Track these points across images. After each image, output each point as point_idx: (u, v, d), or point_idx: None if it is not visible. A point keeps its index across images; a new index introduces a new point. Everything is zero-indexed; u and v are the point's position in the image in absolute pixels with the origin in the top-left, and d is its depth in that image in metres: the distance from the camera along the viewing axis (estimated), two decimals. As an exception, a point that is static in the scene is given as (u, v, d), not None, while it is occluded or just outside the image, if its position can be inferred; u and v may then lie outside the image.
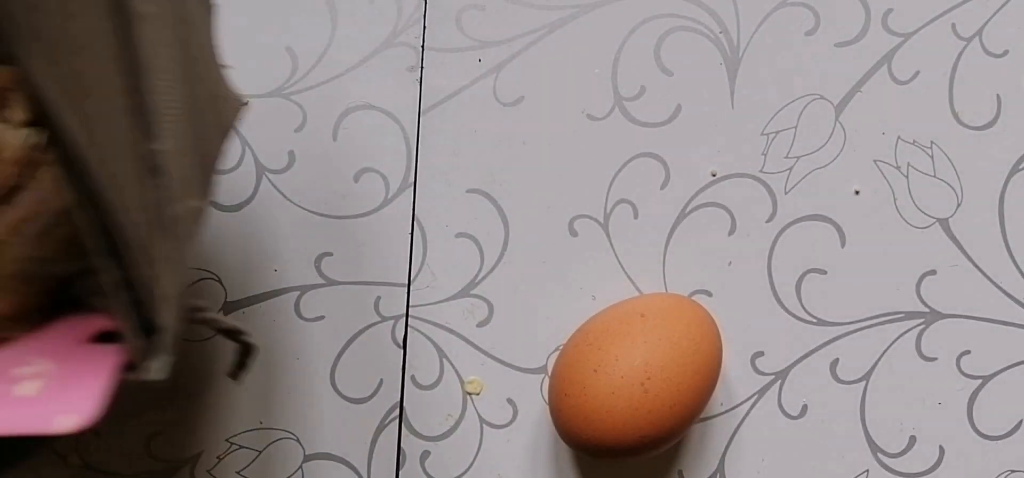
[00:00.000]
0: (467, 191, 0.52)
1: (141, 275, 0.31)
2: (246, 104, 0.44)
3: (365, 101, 0.52)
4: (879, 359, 0.52)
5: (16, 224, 0.35)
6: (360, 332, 0.52)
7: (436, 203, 0.52)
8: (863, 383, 0.52)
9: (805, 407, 0.52)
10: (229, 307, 0.52)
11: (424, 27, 0.52)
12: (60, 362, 0.34)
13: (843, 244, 0.51)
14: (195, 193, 0.35)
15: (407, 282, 0.52)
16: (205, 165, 0.36)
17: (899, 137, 0.51)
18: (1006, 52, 0.50)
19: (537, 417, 0.53)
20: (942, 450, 0.52)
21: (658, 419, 0.47)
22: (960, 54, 0.50)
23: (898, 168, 0.51)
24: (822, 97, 0.51)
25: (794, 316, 0.52)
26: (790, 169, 0.51)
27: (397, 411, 0.53)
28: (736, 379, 0.52)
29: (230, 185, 0.52)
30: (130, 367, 0.33)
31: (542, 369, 0.53)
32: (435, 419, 0.53)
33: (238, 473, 0.52)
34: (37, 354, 0.34)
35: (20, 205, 0.35)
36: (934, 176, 0.51)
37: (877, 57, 0.51)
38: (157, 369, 0.33)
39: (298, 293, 0.52)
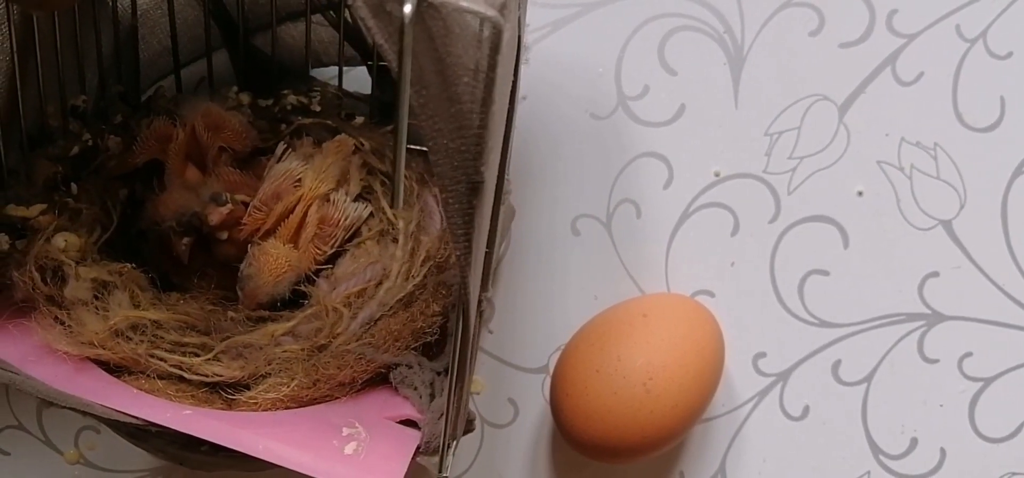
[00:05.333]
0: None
1: (463, 379, 0.38)
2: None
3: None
4: (881, 361, 0.52)
5: (347, 297, 0.42)
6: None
7: (438, 201, 0.52)
8: (865, 385, 0.52)
9: (807, 408, 0.52)
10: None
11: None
12: (370, 431, 0.40)
13: (846, 245, 0.51)
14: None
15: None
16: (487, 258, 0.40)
17: (903, 138, 0.51)
18: (1010, 54, 0.50)
19: (538, 417, 0.53)
20: (943, 452, 0.52)
21: (660, 419, 0.47)
22: (964, 55, 0.50)
23: (901, 169, 0.51)
24: (826, 98, 0.51)
25: (796, 317, 0.52)
26: (793, 170, 0.51)
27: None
28: (738, 380, 0.52)
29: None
30: (423, 452, 0.40)
31: (544, 369, 0.53)
32: (436, 418, 0.53)
33: None
34: (355, 418, 0.40)
35: (350, 279, 0.43)
36: (937, 178, 0.51)
37: (881, 58, 0.50)
38: (448, 466, 0.40)
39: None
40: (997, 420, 0.52)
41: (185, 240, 0.43)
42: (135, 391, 0.40)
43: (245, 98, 0.47)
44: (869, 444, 0.52)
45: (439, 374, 0.43)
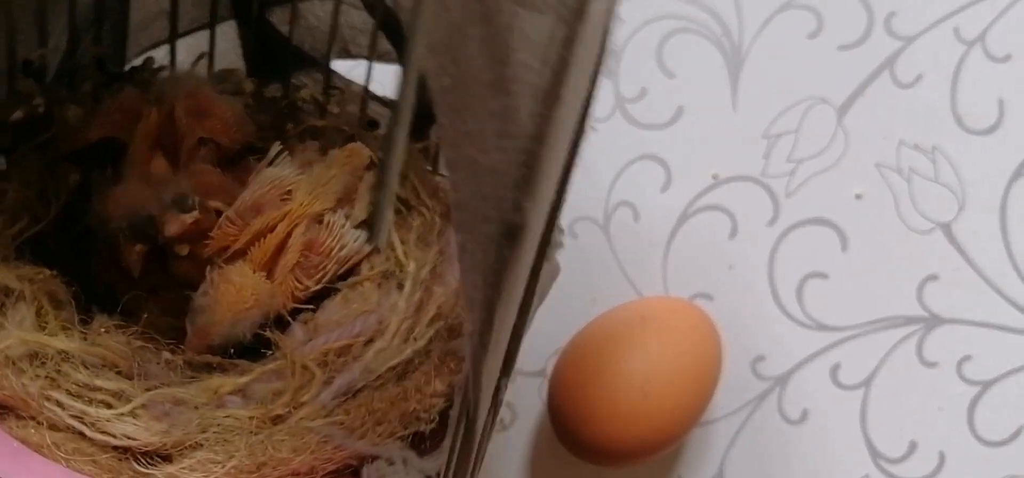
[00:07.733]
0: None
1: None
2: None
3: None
4: (880, 364, 0.52)
5: (325, 353, 0.33)
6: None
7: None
8: (864, 388, 0.52)
9: (805, 412, 0.52)
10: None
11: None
12: None
13: (844, 248, 0.51)
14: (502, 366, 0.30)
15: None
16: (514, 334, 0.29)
17: (901, 141, 0.51)
18: (1008, 56, 0.50)
19: (536, 421, 0.53)
20: (942, 456, 0.52)
21: (658, 423, 0.47)
22: (962, 58, 0.50)
23: (900, 172, 0.51)
24: (824, 100, 0.51)
25: (795, 320, 0.52)
26: (792, 172, 0.51)
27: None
28: (736, 384, 0.52)
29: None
30: None
31: (541, 372, 0.52)
32: (433, 422, 0.52)
33: None
34: None
35: (335, 329, 0.34)
36: (936, 180, 0.51)
37: (879, 60, 0.50)
38: None
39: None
40: (996, 424, 0.52)
41: (137, 248, 0.34)
42: (14, 443, 0.31)
43: (248, 84, 0.40)
44: (868, 448, 0.52)
45: None
